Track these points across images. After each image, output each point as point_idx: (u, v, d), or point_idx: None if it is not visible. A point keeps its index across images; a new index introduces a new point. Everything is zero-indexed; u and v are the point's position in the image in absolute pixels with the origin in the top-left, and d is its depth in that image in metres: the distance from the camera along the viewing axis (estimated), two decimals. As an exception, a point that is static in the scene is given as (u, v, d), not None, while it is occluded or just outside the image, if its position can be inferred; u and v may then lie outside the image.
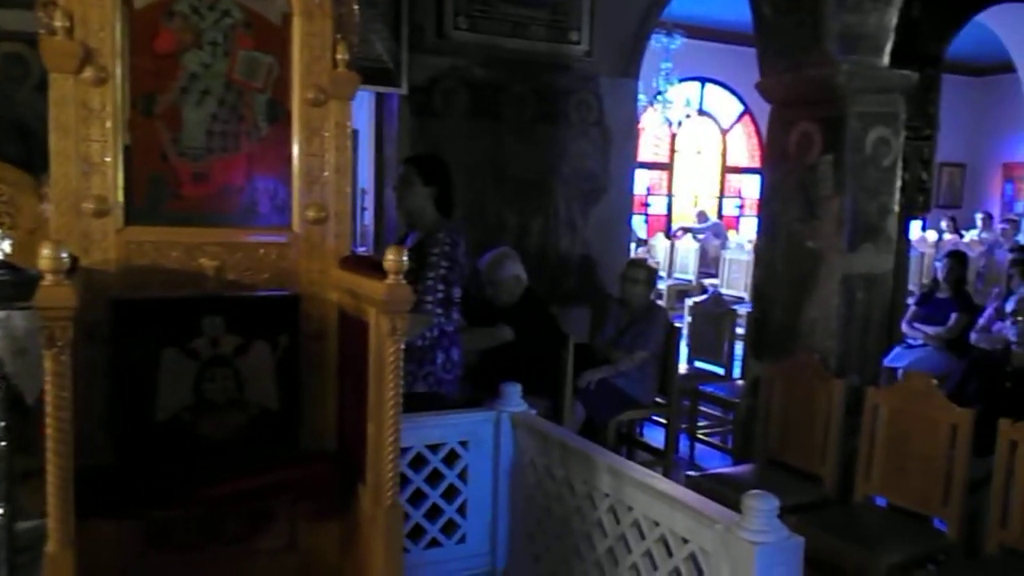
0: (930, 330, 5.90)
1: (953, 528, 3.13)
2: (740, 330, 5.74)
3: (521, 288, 4.41)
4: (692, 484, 3.34)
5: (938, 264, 6.45)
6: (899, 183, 4.15)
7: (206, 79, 2.20)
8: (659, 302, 6.01)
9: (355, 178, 5.46)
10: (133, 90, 2.13)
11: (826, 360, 3.91)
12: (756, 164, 12.97)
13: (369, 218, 6.10)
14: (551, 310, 4.70)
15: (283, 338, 2.25)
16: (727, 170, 13.96)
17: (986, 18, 7.82)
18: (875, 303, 4.09)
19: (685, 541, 2.11)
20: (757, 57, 4.35)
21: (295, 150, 2.29)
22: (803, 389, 3.76)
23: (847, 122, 3.93)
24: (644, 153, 11.79)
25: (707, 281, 10.03)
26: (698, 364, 5.79)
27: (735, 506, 1.99)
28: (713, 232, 12.06)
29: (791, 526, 1.97)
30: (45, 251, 1.61)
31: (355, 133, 5.35)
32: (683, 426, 5.32)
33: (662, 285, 9.66)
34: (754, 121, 13.28)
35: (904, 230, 5.63)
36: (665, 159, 13.38)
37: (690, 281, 10.29)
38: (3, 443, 1.94)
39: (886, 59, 4.04)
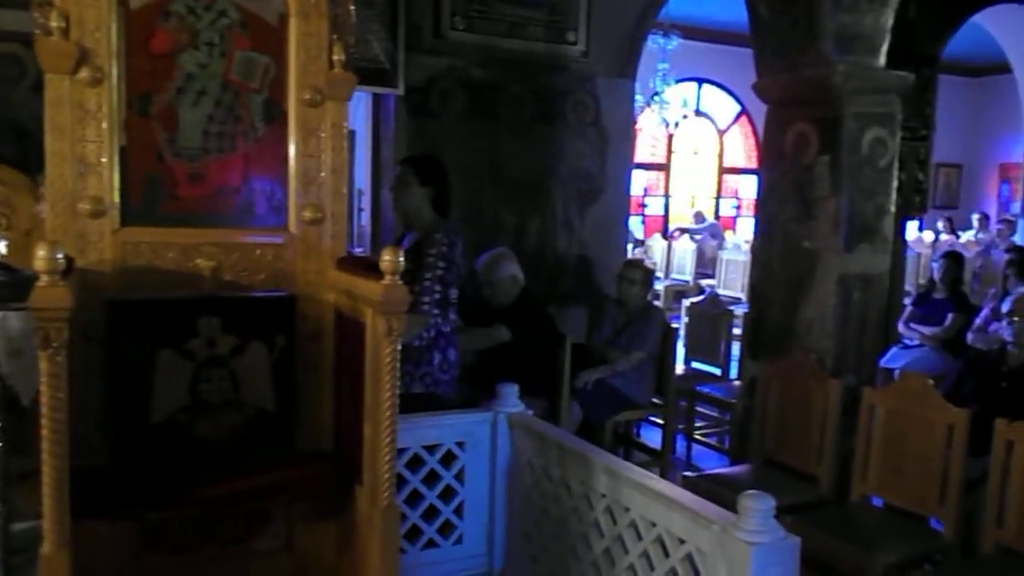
0: (926, 330, 5.90)
1: (949, 528, 3.14)
2: (737, 330, 5.74)
3: (518, 288, 4.41)
4: (689, 484, 3.35)
5: (934, 265, 6.45)
6: (895, 183, 4.15)
7: (202, 79, 2.20)
8: (656, 302, 6.00)
9: (352, 179, 5.46)
10: (129, 90, 2.13)
11: (822, 360, 3.91)
12: (753, 165, 12.98)
13: (366, 219, 6.10)
14: (548, 310, 4.70)
15: (279, 339, 2.25)
16: (724, 171, 13.97)
17: (982, 19, 7.84)
18: (871, 303, 4.09)
19: (682, 541, 2.11)
20: (753, 57, 4.35)
21: (291, 151, 2.29)
22: (799, 389, 3.76)
23: (843, 122, 3.94)
24: (641, 154, 11.80)
25: (704, 282, 10.05)
26: (695, 365, 5.79)
27: (732, 506, 2.00)
28: (710, 233, 12.08)
29: (787, 526, 1.97)
30: (41, 252, 1.61)
31: (352, 134, 5.36)
32: (680, 426, 5.32)
33: (659, 285, 9.66)
34: (751, 122, 13.29)
35: (900, 231, 5.65)
36: (662, 160, 13.39)
37: (687, 282, 10.30)
38: None
39: (882, 60, 4.05)
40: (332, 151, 2.32)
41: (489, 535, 2.84)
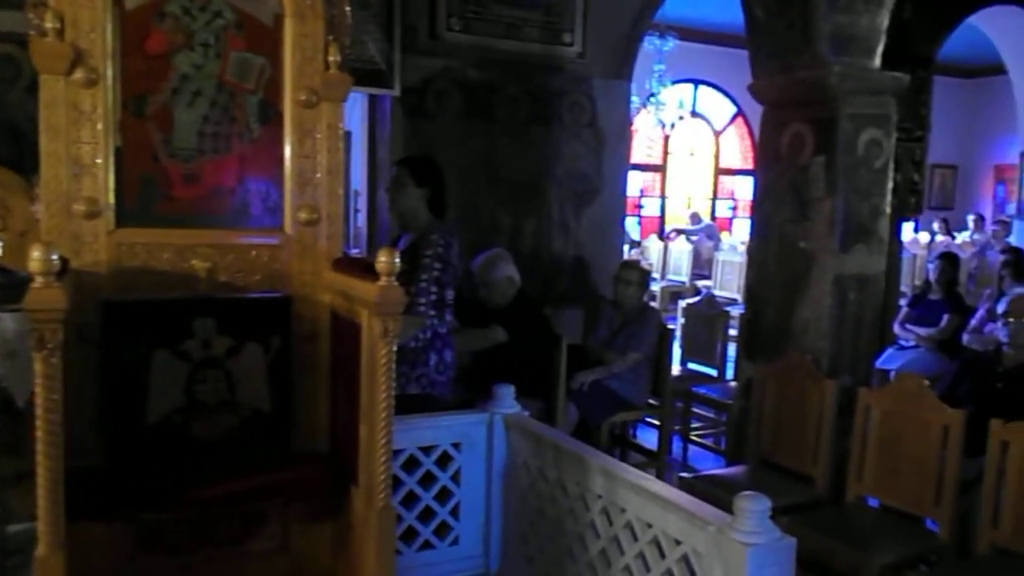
0: (922, 331, 5.91)
1: (945, 528, 3.14)
2: (733, 331, 5.74)
3: (514, 289, 4.41)
4: (685, 486, 3.35)
5: (930, 266, 6.46)
6: (891, 184, 4.16)
7: (198, 80, 2.20)
8: (652, 304, 6.01)
9: (348, 180, 5.47)
10: (124, 91, 2.12)
11: (818, 361, 3.92)
12: (749, 166, 12.98)
13: (362, 220, 6.11)
14: (544, 311, 4.70)
15: (275, 340, 2.24)
16: (720, 172, 13.98)
17: (977, 20, 7.86)
18: (867, 304, 4.10)
19: (678, 543, 2.11)
20: (749, 59, 4.36)
21: (287, 152, 2.29)
22: (795, 390, 3.76)
23: (839, 123, 3.94)
24: (637, 155, 11.79)
25: (700, 283, 10.06)
26: (691, 366, 5.80)
27: (728, 507, 2.00)
28: (706, 234, 12.09)
29: (783, 527, 1.97)
30: (36, 253, 1.60)
31: (348, 135, 5.37)
32: (676, 427, 5.31)
33: (655, 287, 9.68)
34: (747, 123, 13.30)
35: (896, 231, 5.66)
36: (658, 161, 13.39)
37: (683, 283, 10.31)
38: (-7, 446, 1.94)
39: (878, 61, 4.06)
40: (328, 152, 2.32)
41: (485, 536, 2.84)
